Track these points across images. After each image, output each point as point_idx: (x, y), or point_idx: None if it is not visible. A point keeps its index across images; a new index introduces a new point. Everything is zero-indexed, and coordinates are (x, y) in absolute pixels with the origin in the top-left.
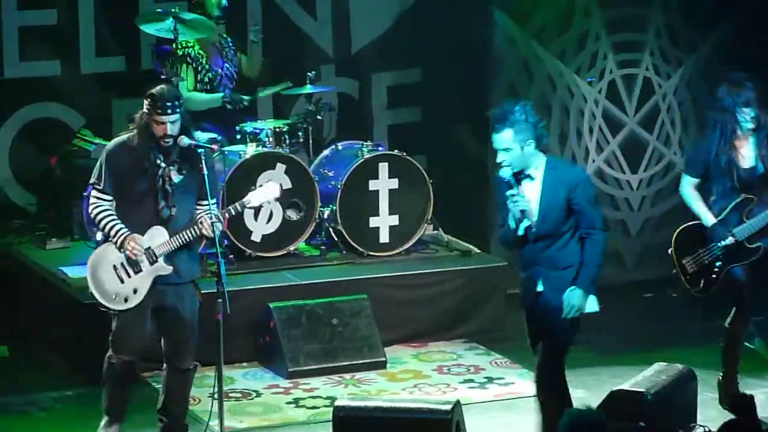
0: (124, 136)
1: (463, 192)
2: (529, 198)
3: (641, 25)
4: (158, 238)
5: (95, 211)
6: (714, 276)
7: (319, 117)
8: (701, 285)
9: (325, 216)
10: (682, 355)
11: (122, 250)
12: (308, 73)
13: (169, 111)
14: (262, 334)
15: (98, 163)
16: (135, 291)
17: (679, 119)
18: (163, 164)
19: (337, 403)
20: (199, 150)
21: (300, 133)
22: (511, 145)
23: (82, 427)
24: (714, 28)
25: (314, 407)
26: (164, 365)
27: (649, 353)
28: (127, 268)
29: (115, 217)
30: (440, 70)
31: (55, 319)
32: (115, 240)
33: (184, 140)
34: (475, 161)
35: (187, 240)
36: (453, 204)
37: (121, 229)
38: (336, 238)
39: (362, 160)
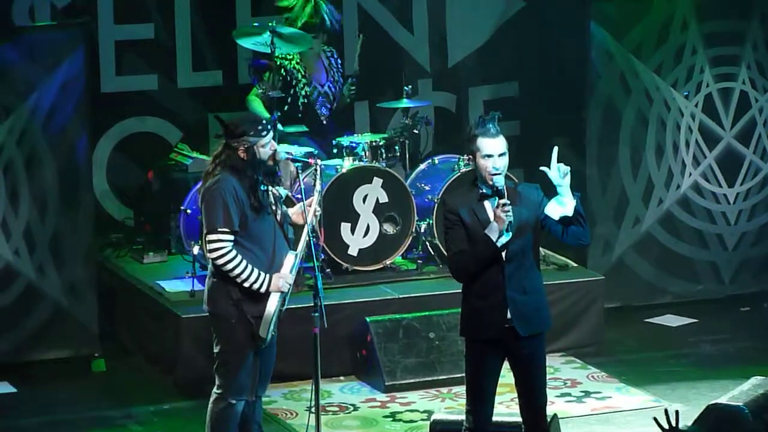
0: (227, 176)
1: None
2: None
3: (738, 38)
4: (291, 261)
5: (228, 262)
6: None
7: (415, 131)
8: None
9: (422, 230)
10: None
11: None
12: (405, 88)
13: (269, 127)
14: (359, 348)
15: (210, 204)
16: (279, 319)
17: None
18: (269, 187)
19: (434, 416)
20: (296, 164)
21: (396, 147)
22: (506, 151)
23: None
24: None
25: (411, 421)
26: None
27: (746, 367)
28: (284, 304)
29: (247, 262)
30: (537, 84)
31: (152, 333)
32: (260, 286)
33: (282, 154)
34: (572, 174)
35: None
36: None
37: (260, 274)
38: (432, 252)
39: (459, 173)
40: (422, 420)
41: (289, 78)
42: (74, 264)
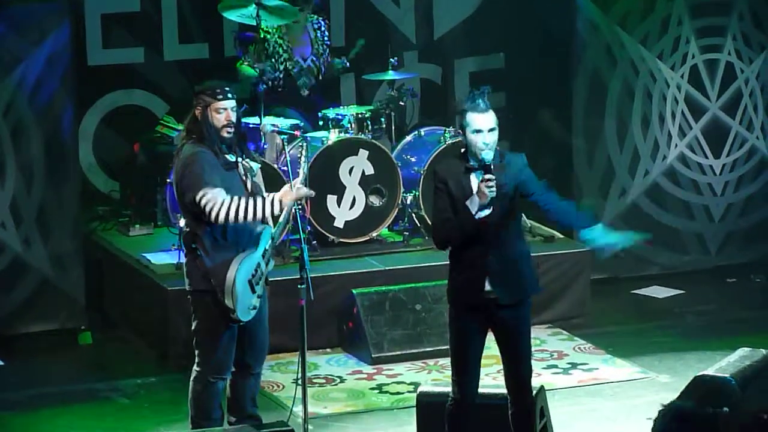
0: (195, 145)
1: (547, 177)
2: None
3: (724, 9)
4: (267, 236)
5: (224, 208)
6: None
7: (401, 103)
8: None
9: (408, 202)
10: (766, 341)
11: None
12: (391, 59)
13: (229, 95)
14: (345, 320)
15: (191, 171)
16: (259, 297)
17: (761, 104)
18: (237, 158)
19: (421, 389)
20: (282, 136)
21: (382, 120)
22: (496, 126)
23: (166, 413)
24: None
25: (398, 393)
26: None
27: (734, 339)
28: (256, 275)
29: (246, 201)
30: (523, 56)
31: (139, 306)
32: (271, 210)
33: (267, 126)
34: (558, 146)
35: (284, 226)
36: None
37: (263, 201)
38: (419, 224)
39: (445, 145)
40: (409, 392)
41: (271, 50)
42: (61, 237)
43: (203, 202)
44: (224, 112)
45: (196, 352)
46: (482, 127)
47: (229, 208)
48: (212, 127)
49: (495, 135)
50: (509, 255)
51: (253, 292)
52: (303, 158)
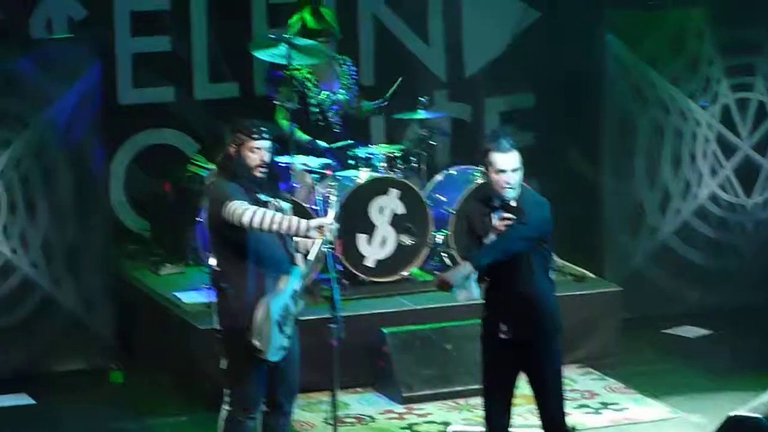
0: (227, 182)
1: (576, 216)
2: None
3: (755, 48)
4: (296, 277)
5: (256, 212)
6: None
7: (432, 142)
8: None
9: (439, 241)
10: None
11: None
12: (420, 99)
13: (265, 135)
14: (376, 359)
15: (221, 196)
16: (289, 337)
17: None
18: (268, 198)
19: (451, 428)
20: (313, 175)
21: (413, 158)
22: (520, 166)
23: None
24: None
25: None
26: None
27: (765, 378)
28: (285, 315)
29: (275, 212)
30: (553, 95)
31: (170, 345)
32: (303, 230)
33: (298, 165)
34: (587, 186)
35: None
36: (566, 229)
37: (298, 219)
38: (449, 263)
39: (476, 184)
40: (439, 431)
41: (300, 87)
42: (91, 276)
43: (232, 209)
44: (258, 151)
45: (226, 390)
46: (506, 167)
47: (260, 213)
48: (245, 166)
49: (518, 175)
50: (524, 294)
51: (282, 332)
52: (333, 197)
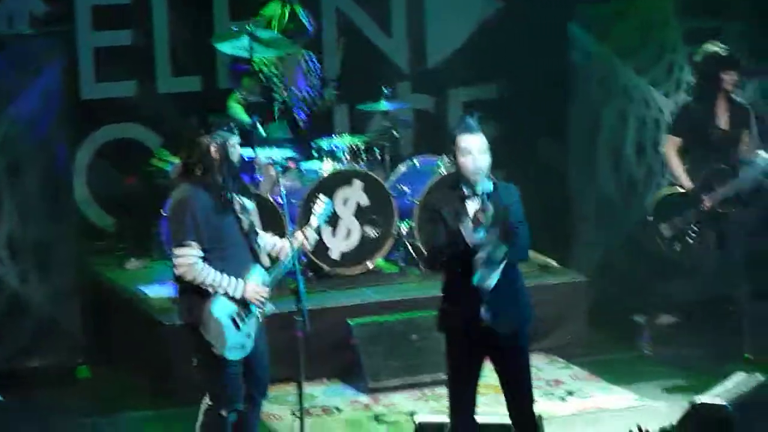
0: (188, 186)
1: (542, 207)
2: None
3: (717, 35)
4: (256, 278)
5: (196, 274)
6: (689, 240)
7: (395, 133)
8: (678, 249)
9: (404, 232)
10: (762, 367)
11: (239, 300)
12: (384, 90)
13: (235, 132)
14: (342, 350)
15: (177, 218)
16: (248, 336)
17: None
18: (236, 194)
19: (419, 418)
20: (277, 167)
21: (376, 150)
22: (487, 150)
23: None
24: None
25: (396, 422)
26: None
27: (730, 365)
28: (241, 314)
29: (214, 270)
30: (517, 86)
31: (136, 340)
32: (234, 292)
33: (262, 158)
34: (553, 176)
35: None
36: (532, 219)
37: (231, 279)
38: (414, 254)
39: (439, 175)
40: (406, 421)
41: (266, 82)
42: (58, 271)
43: (176, 260)
44: (236, 147)
45: (204, 385)
46: (472, 147)
47: (201, 273)
48: (231, 163)
49: (487, 159)
50: (505, 283)
51: (239, 330)
52: (313, 220)
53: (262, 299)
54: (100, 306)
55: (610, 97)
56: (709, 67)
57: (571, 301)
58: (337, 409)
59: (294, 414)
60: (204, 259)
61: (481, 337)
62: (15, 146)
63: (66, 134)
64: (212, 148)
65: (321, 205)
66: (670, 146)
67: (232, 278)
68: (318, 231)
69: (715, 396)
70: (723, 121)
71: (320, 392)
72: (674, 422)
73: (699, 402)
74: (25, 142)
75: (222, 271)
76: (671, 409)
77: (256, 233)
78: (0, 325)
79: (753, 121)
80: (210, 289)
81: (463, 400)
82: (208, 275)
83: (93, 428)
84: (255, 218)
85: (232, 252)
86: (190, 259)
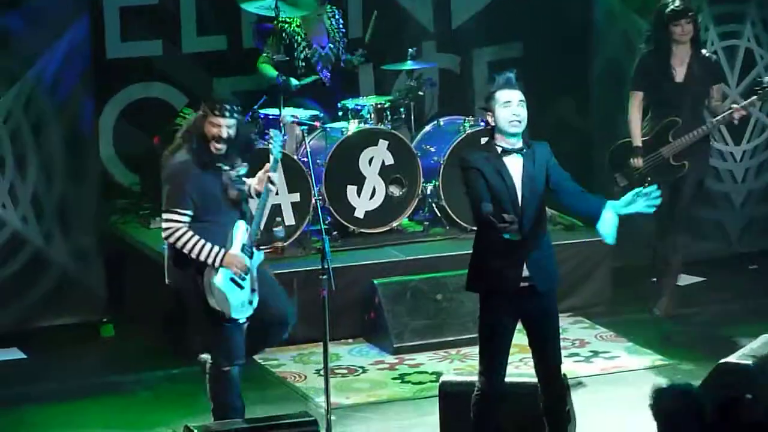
0: (185, 154)
1: (565, 165)
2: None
3: None
4: (242, 232)
5: (179, 240)
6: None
7: (420, 93)
8: None
9: (428, 191)
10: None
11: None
12: (409, 50)
13: (228, 114)
14: (367, 310)
15: (171, 184)
16: (253, 291)
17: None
18: (227, 167)
19: (443, 378)
20: (302, 127)
21: (402, 110)
22: (525, 101)
23: (188, 405)
24: None
25: (420, 383)
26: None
27: (755, 325)
28: (239, 273)
29: (199, 237)
30: (541, 45)
31: (160, 299)
32: (213, 261)
33: (287, 117)
34: (576, 135)
35: (262, 216)
36: None
37: (213, 248)
38: (439, 214)
39: (464, 135)
40: (431, 381)
41: (289, 41)
42: (81, 230)
43: (163, 224)
44: (217, 127)
45: (204, 342)
46: (513, 98)
47: (184, 238)
48: (202, 137)
49: (524, 110)
50: (542, 242)
51: (241, 288)
52: (271, 150)
53: (242, 267)
54: (124, 265)
55: (634, 56)
56: (659, 19)
57: (595, 260)
58: (362, 368)
59: (318, 374)
60: (191, 226)
61: (517, 296)
62: (40, 105)
63: (91, 93)
64: (198, 119)
65: (271, 140)
66: (633, 101)
67: (214, 247)
68: (275, 166)
69: (741, 356)
70: (680, 73)
71: (345, 352)
72: (699, 382)
73: (724, 362)
74: (51, 100)
75: (206, 239)
76: (697, 369)
77: (247, 201)
78: (24, 283)
79: (721, 74)
80: (192, 255)
81: (495, 361)
82: (190, 242)
83: (117, 387)
84: (246, 187)
85: (217, 221)
86: (176, 224)
